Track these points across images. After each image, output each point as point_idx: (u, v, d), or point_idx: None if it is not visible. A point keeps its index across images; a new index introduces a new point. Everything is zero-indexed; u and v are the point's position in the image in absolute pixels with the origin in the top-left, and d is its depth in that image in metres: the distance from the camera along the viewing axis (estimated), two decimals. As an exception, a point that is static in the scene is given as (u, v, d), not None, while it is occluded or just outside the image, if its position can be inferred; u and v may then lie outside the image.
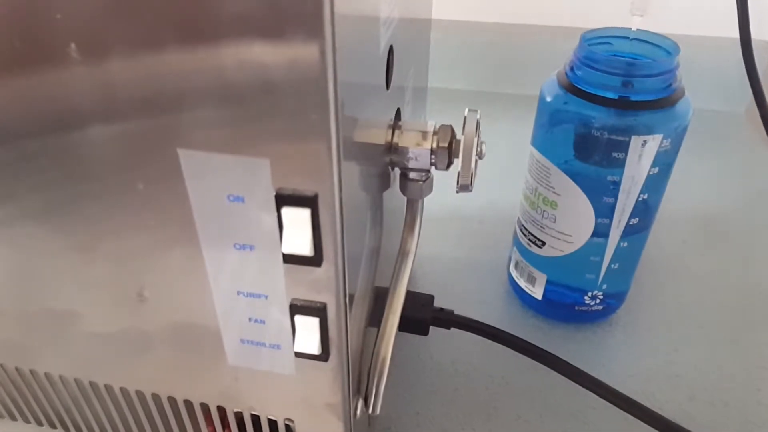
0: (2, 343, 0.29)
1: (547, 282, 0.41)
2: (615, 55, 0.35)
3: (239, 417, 0.28)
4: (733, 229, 0.53)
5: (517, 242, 0.43)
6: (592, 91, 0.34)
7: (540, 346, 0.36)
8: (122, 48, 0.18)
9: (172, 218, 0.21)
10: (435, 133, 0.28)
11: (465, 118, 0.28)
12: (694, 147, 0.41)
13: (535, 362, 0.36)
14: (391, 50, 0.26)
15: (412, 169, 0.29)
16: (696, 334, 0.43)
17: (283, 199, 0.20)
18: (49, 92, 0.19)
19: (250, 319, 0.23)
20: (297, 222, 0.20)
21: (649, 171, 0.35)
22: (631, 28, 0.36)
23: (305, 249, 0.20)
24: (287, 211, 0.20)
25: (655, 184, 0.36)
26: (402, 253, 0.31)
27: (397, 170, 0.30)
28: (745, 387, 0.39)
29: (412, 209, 0.31)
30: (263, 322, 0.23)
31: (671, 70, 0.34)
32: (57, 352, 0.28)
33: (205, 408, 0.28)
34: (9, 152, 0.21)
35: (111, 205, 0.22)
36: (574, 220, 0.38)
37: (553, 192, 0.37)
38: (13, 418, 0.34)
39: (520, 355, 0.36)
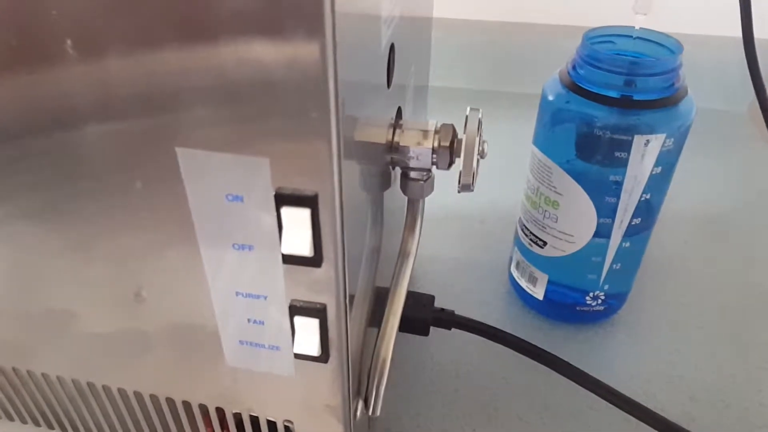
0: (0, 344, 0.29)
1: (549, 282, 0.41)
2: (618, 54, 0.35)
3: (238, 418, 0.28)
4: (735, 229, 0.53)
5: (518, 242, 0.43)
6: (594, 90, 0.34)
7: (541, 346, 0.36)
8: (119, 45, 0.18)
9: (170, 218, 0.21)
10: (436, 132, 0.28)
11: (467, 117, 0.28)
12: (696, 146, 0.40)
13: (536, 363, 0.36)
14: (392, 48, 0.26)
15: (413, 169, 0.29)
16: (698, 334, 0.43)
17: (282, 199, 0.19)
18: (46, 90, 0.19)
19: (249, 320, 0.23)
20: (297, 222, 0.19)
21: (652, 171, 0.34)
22: (634, 27, 0.35)
23: (305, 249, 0.20)
24: (287, 211, 0.19)
25: (658, 183, 0.36)
26: (402, 254, 0.31)
27: (398, 169, 0.30)
28: (747, 388, 0.39)
29: (413, 209, 0.31)
30: (262, 323, 0.23)
31: (674, 69, 0.33)
32: (54, 352, 0.28)
33: (203, 409, 0.28)
34: (5, 151, 0.21)
35: (109, 205, 0.21)
36: (576, 220, 0.37)
37: (555, 192, 0.37)
38: (11, 419, 0.34)
39: (520, 355, 0.36)
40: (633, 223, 0.37)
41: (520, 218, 0.42)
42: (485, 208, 0.55)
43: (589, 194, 0.36)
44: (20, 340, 0.28)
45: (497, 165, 0.52)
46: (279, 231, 0.20)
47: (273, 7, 0.16)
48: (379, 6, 0.23)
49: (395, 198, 0.31)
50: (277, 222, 0.20)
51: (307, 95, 0.17)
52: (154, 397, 0.28)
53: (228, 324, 0.24)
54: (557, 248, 0.39)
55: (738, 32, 0.47)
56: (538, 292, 0.42)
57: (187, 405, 0.28)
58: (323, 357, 0.23)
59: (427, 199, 0.30)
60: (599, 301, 0.41)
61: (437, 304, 0.36)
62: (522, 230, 0.42)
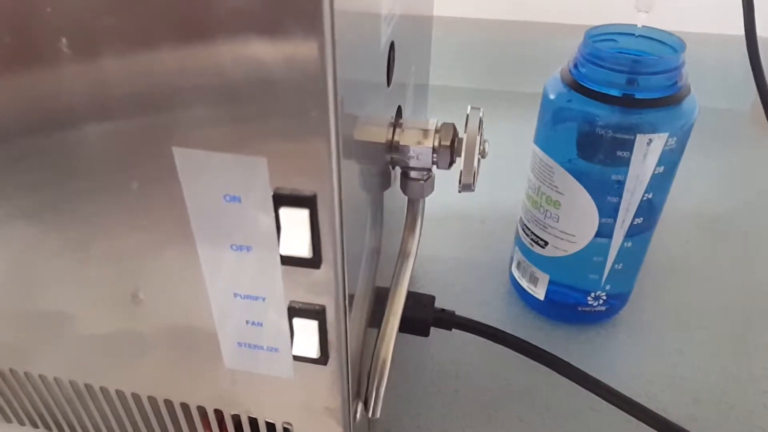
0: (-4, 345, 0.29)
1: (550, 282, 0.41)
2: (620, 52, 0.35)
3: (237, 420, 0.28)
4: (738, 229, 0.53)
5: (519, 242, 0.43)
6: (596, 88, 0.33)
7: (542, 347, 0.36)
8: (115, 43, 0.17)
9: (167, 218, 0.21)
10: (437, 131, 0.27)
11: (467, 116, 0.27)
12: (698, 145, 0.40)
13: (537, 363, 0.36)
14: (392, 46, 0.26)
15: (414, 168, 0.28)
16: (700, 335, 0.42)
17: (280, 199, 0.19)
18: (41, 89, 0.19)
19: (247, 322, 0.23)
20: (295, 223, 0.19)
21: (654, 170, 0.34)
22: (636, 25, 0.35)
23: (303, 250, 0.19)
24: (285, 212, 0.19)
25: (660, 183, 0.35)
26: (403, 254, 0.30)
27: (398, 169, 0.29)
28: (751, 389, 0.38)
29: (413, 209, 0.30)
30: (261, 324, 0.23)
31: (677, 68, 0.33)
32: (52, 353, 0.28)
33: (202, 411, 0.28)
34: (1, 151, 0.21)
35: (105, 205, 0.21)
36: (577, 220, 0.37)
37: (557, 191, 0.37)
38: (8, 421, 0.34)
39: (521, 356, 0.36)
40: (635, 222, 0.36)
41: (521, 218, 0.42)
42: (486, 208, 0.54)
43: (590, 194, 0.36)
44: (18, 342, 0.28)
45: (498, 164, 0.51)
46: (277, 232, 0.20)
47: (271, 5, 0.16)
48: (379, 4, 0.23)
49: (395, 198, 0.31)
50: (276, 223, 0.20)
51: (305, 94, 0.17)
52: (152, 399, 0.28)
53: (226, 326, 0.23)
54: (559, 248, 0.39)
55: (741, 30, 0.46)
56: (539, 293, 0.42)
57: (185, 407, 0.28)
58: (322, 359, 0.23)
59: (427, 198, 0.30)
60: (601, 302, 0.41)
61: (437, 304, 0.36)
62: (523, 230, 0.41)
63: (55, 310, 0.26)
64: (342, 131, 0.18)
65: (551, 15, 0.73)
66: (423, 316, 0.36)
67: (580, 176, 0.35)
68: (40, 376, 0.29)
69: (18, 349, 0.28)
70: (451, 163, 0.28)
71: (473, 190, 0.28)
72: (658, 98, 0.33)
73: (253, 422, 0.28)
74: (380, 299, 0.30)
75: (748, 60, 0.47)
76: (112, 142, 0.19)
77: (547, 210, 0.38)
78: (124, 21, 0.17)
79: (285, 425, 0.27)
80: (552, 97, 0.36)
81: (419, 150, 0.27)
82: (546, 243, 0.39)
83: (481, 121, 0.28)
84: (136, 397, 0.28)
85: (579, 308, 0.41)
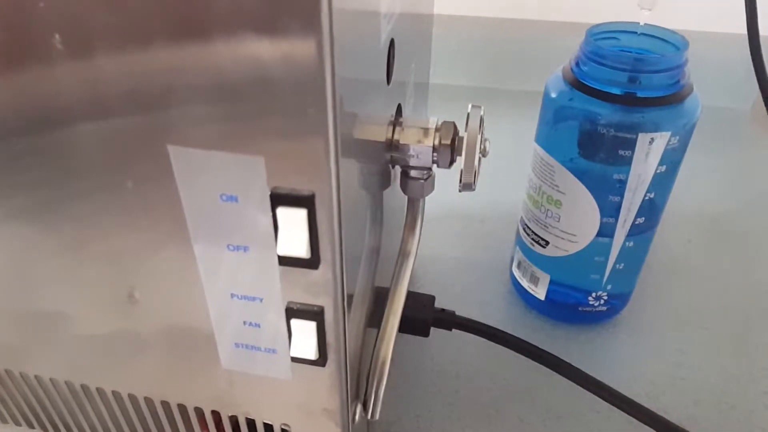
0: (-9, 345, 0.28)
1: (551, 282, 0.41)
2: (622, 51, 0.34)
3: (234, 421, 0.28)
4: (739, 228, 0.53)
5: (519, 242, 0.42)
6: (598, 87, 0.33)
7: (542, 347, 0.35)
8: (110, 40, 0.17)
9: (163, 218, 0.20)
10: (437, 129, 0.27)
11: (468, 114, 0.27)
12: (699, 144, 0.40)
13: (538, 364, 0.35)
14: (392, 44, 0.25)
15: (414, 167, 0.28)
16: (702, 335, 0.42)
17: (278, 199, 0.19)
18: (33, 86, 0.18)
19: (244, 323, 0.23)
20: (293, 223, 0.19)
21: (656, 169, 0.34)
22: (638, 23, 0.35)
23: (301, 251, 0.19)
24: (283, 212, 0.19)
25: (662, 182, 0.35)
26: (402, 254, 0.30)
27: (398, 168, 0.29)
28: (752, 390, 0.38)
29: (413, 208, 0.30)
30: (258, 325, 0.22)
31: (680, 66, 0.33)
32: (47, 354, 0.28)
33: (199, 412, 0.28)
34: (-6, 149, 0.20)
35: (100, 204, 0.21)
36: (578, 220, 0.37)
37: (558, 190, 0.37)
38: (4, 421, 0.33)
39: (522, 356, 0.36)
40: (637, 222, 0.36)
41: (521, 217, 0.42)
42: (486, 207, 0.54)
43: (592, 193, 0.35)
44: (13, 342, 0.28)
45: (499, 163, 0.51)
46: (275, 232, 0.20)
47: (269, 2, 0.16)
48: (379, 1, 0.22)
49: (395, 197, 0.31)
50: (273, 222, 0.19)
51: (303, 92, 0.17)
52: (148, 400, 0.28)
53: (223, 326, 0.23)
54: (559, 248, 0.39)
55: (742, 29, 0.46)
56: (540, 292, 0.42)
57: (182, 408, 0.28)
58: (321, 361, 0.23)
59: (427, 197, 0.30)
60: (602, 302, 0.40)
61: (437, 304, 0.36)
62: (524, 229, 0.41)
63: (51, 310, 0.25)
64: (341, 130, 0.18)
65: (553, 13, 0.72)
66: (423, 316, 0.35)
67: (581, 175, 0.35)
68: (36, 376, 0.29)
69: (14, 349, 0.28)
70: (452, 162, 0.27)
71: (474, 190, 0.28)
72: (661, 97, 0.32)
73: (250, 423, 0.27)
74: (380, 299, 0.30)
75: (749, 59, 0.47)
76: (107, 141, 0.19)
77: (548, 209, 0.38)
78: (118, 17, 0.17)
79: (283, 427, 0.27)
80: (553, 95, 0.35)
81: (419, 149, 0.27)
82: (547, 242, 0.39)
83: (482, 120, 0.27)
84: (132, 398, 0.28)
85: (580, 308, 0.41)
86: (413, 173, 0.28)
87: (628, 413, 0.34)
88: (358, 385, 0.28)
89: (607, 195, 0.35)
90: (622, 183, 0.34)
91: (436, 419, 0.36)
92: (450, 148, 0.27)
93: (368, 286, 0.28)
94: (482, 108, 0.28)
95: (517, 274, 0.44)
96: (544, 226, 0.39)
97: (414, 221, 0.30)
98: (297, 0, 0.15)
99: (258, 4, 0.16)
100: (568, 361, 0.35)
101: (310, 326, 0.22)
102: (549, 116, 0.36)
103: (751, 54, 0.47)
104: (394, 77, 0.27)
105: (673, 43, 0.34)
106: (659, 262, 0.48)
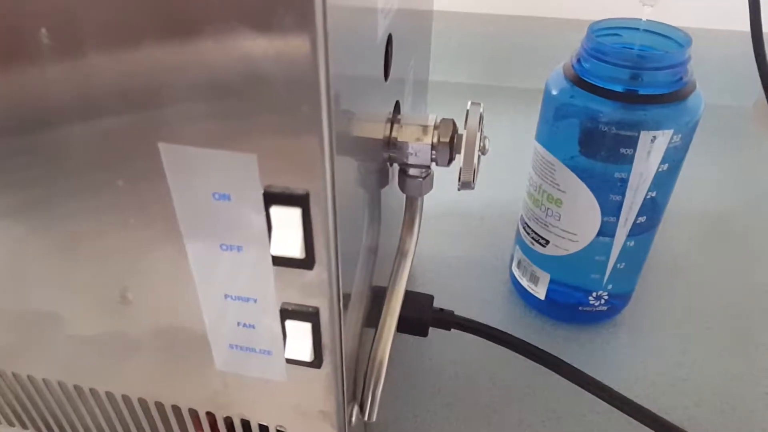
0: (-17, 345, 0.28)
1: (551, 281, 0.40)
2: (624, 47, 0.34)
3: (229, 423, 0.27)
4: (741, 227, 0.52)
5: (519, 240, 0.42)
6: (599, 84, 0.32)
7: (542, 347, 0.35)
8: (98, 34, 0.17)
9: (154, 217, 0.20)
10: (436, 127, 0.26)
11: (467, 111, 0.27)
12: (700, 142, 0.39)
13: (537, 364, 0.35)
14: (389, 40, 0.25)
15: (412, 165, 0.28)
16: (703, 335, 0.42)
17: (271, 198, 0.18)
18: (20, 82, 0.18)
19: (238, 324, 0.22)
20: (287, 222, 0.18)
21: (658, 168, 0.33)
22: (640, 19, 0.34)
23: (296, 251, 0.19)
24: (276, 211, 0.18)
25: (664, 181, 0.35)
26: (400, 253, 0.30)
27: (396, 166, 0.29)
28: (754, 390, 0.38)
29: (412, 207, 0.30)
30: (252, 326, 0.22)
31: (682, 63, 0.32)
32: (40, 354, 0.27)
33: (193, 413, 0.27)
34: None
35: (90, 204, 0.20)
36: (579, 219, 0.36)
37: (558, 189, 0.36)
38: (-2, 421, 0.33)
39: (522, 357, 0.35)
40: (638, 221, 0.36)
41: (521, 216, 0.41)
42: (486, 205, 0.54)
43: (593, 192, 0.35)
44: (5, 342, 0.27)
45: (499, 161, 0.51)
46: (268, 231, 0.19)
47: (261, -4, 0.15)
48: (376, -5, 0.22)
49: (394, 195, 0.30)
50: (267, 222, 0.19)
51: (297, 89, 0.16)
52: (142, 401, 0.28)
53: (217, 327, 0.23)
54: (560, 247, 0.38)
55: (745, 26, 0.46)
56: (540, 292, 0.41)
57: (176, 409, 0.27)
58: (316, 362, 0.22)
59: (426, 195, 0.29)
60: (602, 301, 0.40)
61: (436, 303, 0.35)
62: (524, 228, 0.41)
63: (43, 310, 0.25)
64: (335, 127, 0.17)
65: (554, 9, 0.72)
66: (421, 315, 0.35)
67: (582, 174, 0.35)
68: (28, 376, 0.29)
69: (6, 349, 0.28)
70: (451, 160, 0.27)
71: (473, 188, 0.28)
72: (663, 94, 0.32)
73: (245, 425, 0.27)
74: (378, 299, 0.29)
75: (751, 56, 0.46)
76: (96, 138, 0.19)
77: (548, 208, 0.37)
78: (107, 11, 0.16)
79: (278, 428, 0.26)
80: (554, 92, 0.35)
81: (418, 147, 0.27)
82: (547, 241, 0.39)
83: (481, 117, 0.27)
84: (126, 399, 0.28)
85: (580, 308, 0.41)
86: (411, 171, 0.28)
87: (628, 414, 0.33)
88: (354, 387, 0.27)
89: (608, 194, 0.35)
90: (624, 182, 0.34)
91: (434, 420, 0.36)
92: (449, 146, 0.26)
93: (365, 286, 0.27)
94: (482, 105, 0.27)
95: (516, 273, 0.43)
96: (545, 224, 0.38)
97: (412, 220, 0.30)
98: (290, -6, 0.15)
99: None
100: (568, 361, 0.35)
101: (305, 327, 0.21)
102: (550, 114, 0.36)
103: (755, 52, 0.46)
104: (392, 74, 0.26)
105: (676, 39, 0.33)
106: (660, 262, 0.47)
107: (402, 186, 0.29)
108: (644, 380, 0.38)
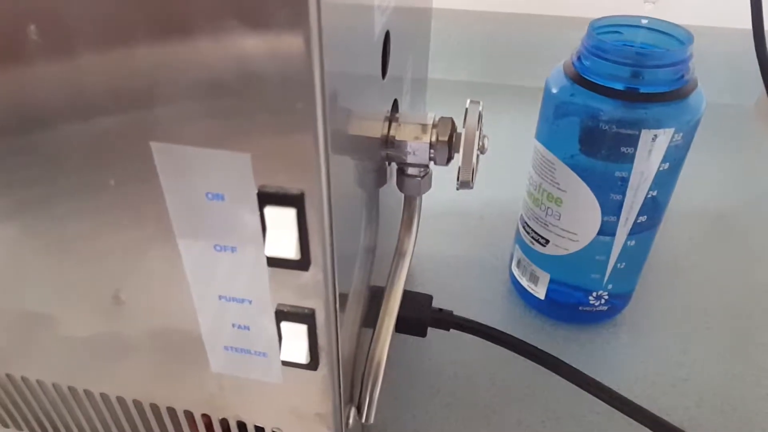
0: (-23, 346, 0.28)
1: (551, 281, 0.40)
2: (625, 45, 0.33)
3: (225, 425, 0.27)
4: (742, 227, 0.52)
5: (519, 240, 0.42)
6: (600, 82, 0.32)
7: (542, 347, 0.35)
8: (88, 31, 0.16)
9: (147, 217, 0.20)
10: (434, 126, 0.26)
11: (466, 110, 0.26)
12: (702, 141, 0.39)
13: (537, 365, 0.35)
14: (387, 37, 0.25)
15: (410, 164, 0.27)
16: (704, 335, 0.41)
17: (266, 198, 0.18)
18: (9, 80, 0.18)
19: (233, 325, 0.22)
20: (281, 223, 0.18)
21: (659, 167, 0.33)
22: (642, 17, 0.34)
23: (290, 252, 0.18)
24: (271, 211, 0.18)
25: (665, 180, 0.34)
26: (399, 253, 0.29)
27: (394, 165, 0.28)
28: (756, 392, 0.37)
29: (410, 207, 0.29)
30: (248, 328, 0.22)
31: (684, 61, 0.32)
32: (33, 355, 0.27)
33: (189, 415, 0.27)
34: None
35: (82, 204, 0.20)
36: (579, 218, 0.36)
37: (558, 188, 0.36)
38: (-8, 422, 0.33)
39: (521, 357, 0.35)
40: (639, 221, 0.35)
41: (521, 215, 0.41)
42: (485, 204, 0.53)
43: (593, 191, 0.34)
44: (-2, 343, 0.27)
45: (498, 160, 0.50)
46: (263, 232, 0.19)
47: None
48: (373, -9, 0.21)
49: (392, 193, 0.30)
50: (261, 222, 0.19)
51: (291, 87, 0.16)
52: (137, 403, 0.27)
53: (212, 329, 0.22)
54: (560, 246, 0.38)
55: (747, 24, 0.45)
56: (540, 292, 0.41)
57: (172, 411, 0.27)
58: (312, 364, 0.22)
59: (424, 194, 0.29)
60: (602, 301, 0.40)
61: (435, 302, 0.35)
62: (523, 227, 0.40)
63: (36, 311, 0.25)
64: (331, 126, 0.17)
65: (554, 7, 0.71)
66: (420, 316, 0.35)
67: (582, 173, 0.34)
68: (22, 378, 0.28)
69: (0, 351, 0.27)
70: (449, 159, 0.27)
71: (472, 188, 0.27)
72: (664, 92, 0.32)
73: (241, 426, 0.27)
74: (376, 298, 0.29)
75: (753, 54, 0.46)
76: (87, 137, 0.18)
77: (548, 207, 0.37)
78: (98, 7, 0.16)
79: (274, 430, 0.26)
80: (554, 90, 0.34)
81: (416, 145, 0.26)
82: (547, 241, 0.38)
83: (480, 116, 0.27)
84: (121, 401, 0.27)
85: (580, 308, 0.40)
86: (410, 170, 0.28)
87: (628, 415, 0.33)
88: (352, 388, 0.27)
89: (609, 193, 0.34)
90: (624, 181, 0.33)
91: (433, 421, 0.36)
92: (447, 145, 0.26)
93: (363, 286, 0.27)
94: (481, 104, 0.27)
95: (516, 272, 0.43)
96: (544, 224, 0.38)
97: (410, 220, 0.30)
98: (283, -10, 0.15)
99: (244, -5, 0.15)
100: (568, 361, 0.34)
101: (301, 329, 0.21)
102: (550, 112, 0.35)
103: (756, 50, 0.46)
104: (389, 72, 0.26)
105: (678, 37, 0.33)
106: (661, 261, 0.47)
107: (400, 185, 0.28)
108: (644, 380, 0.38)
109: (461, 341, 0.39)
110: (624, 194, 0.34)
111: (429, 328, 0.35)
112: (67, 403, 0.29)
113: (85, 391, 0.28)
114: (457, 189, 0.27)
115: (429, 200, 0.33)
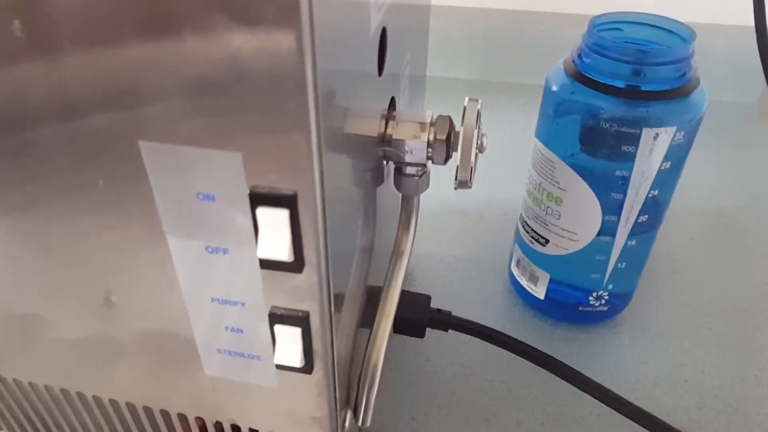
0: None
1: (550, 281, 0.39)
2: (626, 42, 0.33)
3: (219, 427, 0.26)
4: (744, 226, 0.51)
5: (518, 239, 0.41)
6: (601, 80, 0.32)
7: (542, 348, 0.34)
8: (74, 28, 0.16)
9: (136, 218, 0.19)
10: (432, 124, 0.26)
11: (465, 108, 0.26)
12: (703, 139, 0.38)
13: (537, 366, 0.34)
14: (383, 33, 0.24)
15: (408, 164, 0.27)
16: (705, 336, 0.41)
17: (258, 199, 0.17)
18: (-6, 77, 0.17)
19: (226, 328, 0.21)
20: (274, 224, 0.18)
21: (661, 166, 0.33)
22: (643, 13, 0.33)
23: (283, 254, 0.18)
24: (263, 212, 0.18)
25: (667, 179, 0.34)
26: (396, 254, 0.29)
27: (392, 164, 0.28)
28: (758, 392, 0.37)
29: (408, 206, 0.29)
30: (241, 331, 0.21)
31: (686, 58, 0.31)
32: (25, 358, 0.26)
33: (183, 418, 0.27)
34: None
35: (70, 204, 0.20)
36: (579, 217, 0.36)
37: (558, 187, 0.35)
38: (-15, 424, 0.32)
39: (520, 358, 0.35)
40: (639, 220, 0.35)
41: (521, 215, 0.40)
42: (485, 203, 0.53)
43: (593, 190, 0.34)
44: (-10, 344, 0.27)
45: (498, 158, 0.50)
46: (255, 233, 0.18)
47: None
48: (368, -14, 0.21)
49: (390, 191, 0.30)
50: (253, 224, 0.18)
51: (282, 84, 0.15)
52: (130, 405, 0.27)
53: (204, 332, 0.22)
54: (560, 246, 0.37)
55: (750, 21, 0.45)
56: (539, 292, 0.41)
57: (165, 414, 0.27)
58: (306, 368, 0.21)
59: (423, 193, 0.29)
60: (603, 301, 0.39)
61: (434, 301, 0.35)
62: (523, 227, 0.40)
63: (26, 313, 0.24)
64: (324, 124, 0.17)
65: (554, 4, 0.71)
66: (418, 316, 0.34)
67: (582, 172, 0.34)
68: (14, 380, 0.28)
69: (-9, 352, 0.27)
70: (447, 158, 0.26)
71: (470, 187, 0.27)
72: (666, 90, 0.31)
73: (236, 430, 0.26)
74: (374, 297, 0.29)
75: (755, 51, 0.45)
76: (74, 136, 0.18)
77: (548, 207, 0.37)
78: (84, 2, 0.15)
79: (270, 434, 0.26)
80: (554, 88, 0.34)
81: (413, 144, 0.26)
82: (547, 241, 0.38)
83: (478, 114, 0.26)
84: (114, 403, 0.27)
85: (580, 308, 0.40)
86: (407, 170, 0.27)
87: (628, 417, 0.33)
88: (348, 391, 0.26)
89: (610, 192, 0.34)
90: (625, 180, 0.33)
91: (431, 423, 0.35)
92: (445, 144, 0.26)
93: (360, 287, 0.27)
94: (479, 102, 0.26)
95: (515, 272, 0.42)
96: (544, 223, 0.37)
97: (408, 220, 0.29)
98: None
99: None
100: (568, 362, 0.34)
101: (295, 332, 0.20)
102: (550, 110, 0.35)
103: (759, 47, 0.46)
104: (386, 69, 0.25)
105: (680, 34, 0.33)
106: (662, 261, 0.46)
107: (397, 184, 0.28)
108: (645, 381, 0.38)
109: (460, 342, 0.39)
110: (625, 194, 0.34)
111: (427, 329, 0.34)
112: (60, 405, 0.28)
113: (78, 394, 0.27)
114: (456, 188, 0.27)
115: (428, 199, 0.33)
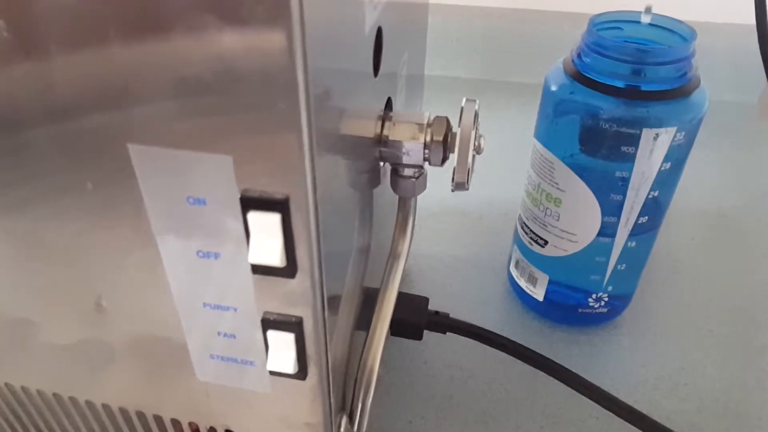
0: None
1: (549, 282, 0.39)
2: (626, 41, 0.33)
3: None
4: (745, 227, 0.51)
5: (517, 240, 0.41)
6: (600, 79, 0.31)
7: (540, 350, 0.34)
8: (61, 28, 0.15)
9: (126, 222, 0.19)
10: (429, 125, 0.25)
11: (462, 108, 0.26)
12: (704, 139, 0.38)
13: (535, 369, 0.34)
14: (379, 33, 0.24)
15: (404, 165, 0.27)
16: (705, 338, 0.41)
17: (249, 203, 0.17)
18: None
19: (219, 333, 0.21)
20: (265, 228, 0.17)
21: (661, 166, 0.32)
22: (643, 12, 0.33)
23: (275, 259, 0.18)
24: (254, 216, 0.17)
25: (667, 180, 0.33)
26: (393, 256, 0.29)
27: (388, 165, 0.27)
28: (759, 395, 0.37)
29: (404, 208, 0.29)
30: (233, 336, 0.21)
31: (686, 58, 0.31)
32: (16, 362, 0.26)
33: (176, 423, 0.26)
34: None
35: (58, 208, 0.19)
36: (579, 218, 0.35)
37: (557, 188, 0.35)
38: (-23, 428, 0.32)
39: (519, 361, 0.34)
40: (639, 221, 0.35)
41: (519, 215, 0.40)
42: (484, 204, 0.53)
43: (593, 191, 0.34)
44: (-19, 348, 0.26)
45: (497, 159, 0.50)
46: (246, 238, 0.18)
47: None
48: (363, -15, 0.20)
49: (387, 192, 0.29)
50: (245, 228, 0.18)
51: (272, 84, 0.15)
52: (123, 411, 0.26)
53: (196, 337, 0.22)
54: (559, 247, 0.37)
55: (751, 20, 0.44)
56: (538, 293, 0.40)
57: (158, 419, 0.26)
58: (300, 374, 0.21)
59: (420, 194, 0.28)
60: (602, 303, 0.39)
61: (433, 302, 0.34)
62: (522, 228, 0.40)
63: (16, 317, 0.24)
64: (317, 126, 0.16)
65: (554, 2, 0.70)
66: (416, 319, 0.34)
67: (582, 172, 0.33)
68: (6, 384, 0.28)
69: (-18, 356, 0.27)
70: (444, 159, 0.26)
71: (467, 189, 0.26)
72: (666, 90, 0.31)
73: (231, 435, 0.26)
74: (370, 299, 0.28)
75: (756, 50, 0.45)
76: (62, 139, 0.17)
77: (547, 208, 0.36)
78: (71, 2, 0.15)
79: (264, 439, 0.25)
80: (554, 88, 0.34)
81: (410, 146, 0.26)
82: (546, 242, 0.38)
83: (476, 115, 0.26)
84: (106, 408, 0.27)
85: (579, 310, 0.39)
86: (404, 171, 0.27)
87: (628, 421, 0.32)
88: (344, 396, 0.26)
89: (609, 193, 0.33)
90: (625, 181, 0.33)
91: (429, 426, 0.35)
92: (442, 145, 0.25)
93: (356, 289, 0.26)
94: (477, 102, 0.26)
95: (514, 273, 0.42)
96: (543, 224, 0.37)
97: (405, 221, 0.29)
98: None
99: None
100: (567, 364, 0.34)
101: (288, 338, 0.20)
102: (549, 110, 0.34)
103: (760, 46, 0.45)
104: (382, 69, 0.25)
105: (680, 33, 0.32)
106: (662, 262, 0.46)
107: (394, 186, 0.28)
108: (645, 384, 0.37)
109: (458, 344, 0.39)
110: (624, 194, 0.33)
111: (425, 331, 0.34)
112: (53, 410, 0.28)
113: (71, 399, 0.27)
114: (453, 190, 0.27)
115: (426, 199, 0.32)
